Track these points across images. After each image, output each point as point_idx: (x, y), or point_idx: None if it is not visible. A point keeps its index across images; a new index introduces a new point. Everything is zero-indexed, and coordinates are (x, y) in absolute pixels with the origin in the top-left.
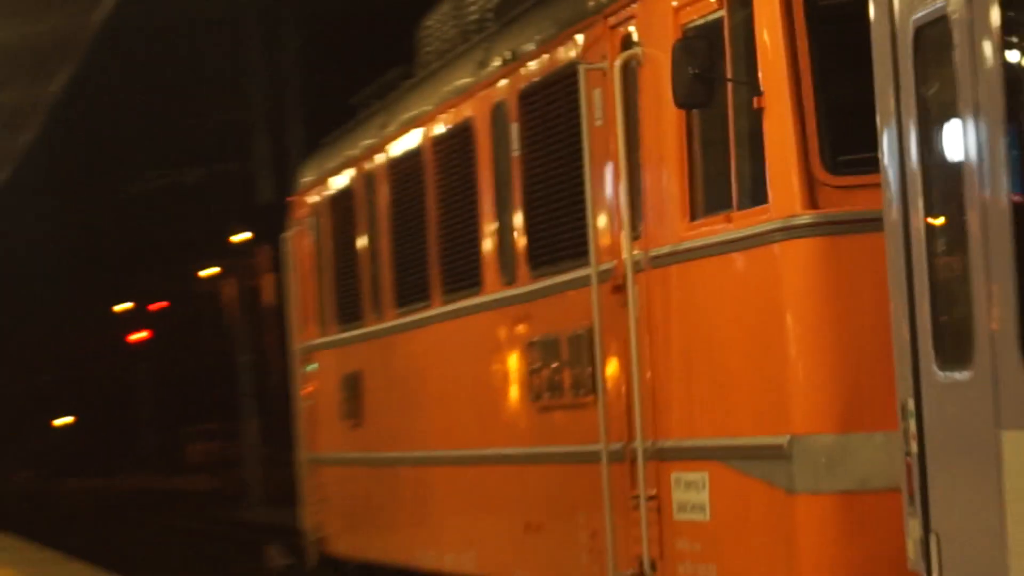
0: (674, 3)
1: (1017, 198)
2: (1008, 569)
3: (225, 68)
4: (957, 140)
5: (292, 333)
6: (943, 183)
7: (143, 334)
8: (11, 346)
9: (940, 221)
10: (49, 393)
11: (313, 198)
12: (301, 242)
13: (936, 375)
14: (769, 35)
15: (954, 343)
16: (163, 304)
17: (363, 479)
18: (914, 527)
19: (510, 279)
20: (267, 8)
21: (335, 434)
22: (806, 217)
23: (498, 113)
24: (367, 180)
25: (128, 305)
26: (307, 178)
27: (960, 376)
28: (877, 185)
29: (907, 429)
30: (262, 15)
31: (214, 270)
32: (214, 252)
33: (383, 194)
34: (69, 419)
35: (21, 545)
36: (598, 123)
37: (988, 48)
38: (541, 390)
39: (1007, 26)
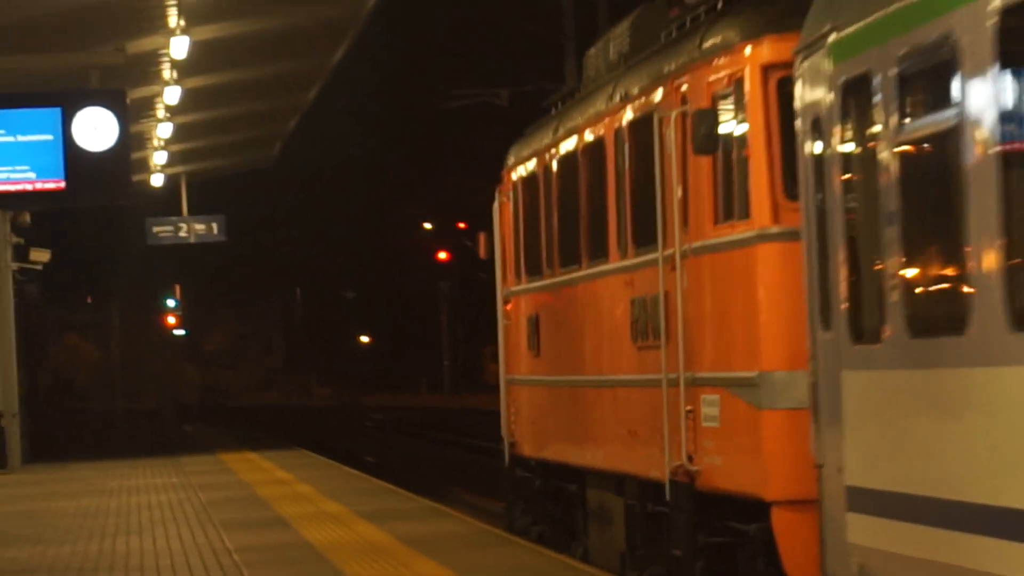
0: (709, 78)
1: (850, 220)
2: (844, 443)
3: None
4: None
5: (498, 279)
6: (822, 210)
7: (444, 254)
8: (317, 265)
9: (823, 236)
10: (353, 312)
11: (513, 176)
12: (505, 210)
13: (821, 334)
14: (753, 109)
15: (824, 315)
16: (464, 225)
17: (540, 397)
18: (813, 429)
19: (624, 253)
20: None
21: (523, 361)
22: (773, 229)
23: (618, 135)
24: (545, 169)
25: (431, 225)
26: (510, 160)
27: (828, 336)
28: None
29: (812, 369)
30: None
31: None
32: None
33: (554, 181)
34: (368, 338)
35: (319, 462)
36: (668, 154)
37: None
38: (638, 335)
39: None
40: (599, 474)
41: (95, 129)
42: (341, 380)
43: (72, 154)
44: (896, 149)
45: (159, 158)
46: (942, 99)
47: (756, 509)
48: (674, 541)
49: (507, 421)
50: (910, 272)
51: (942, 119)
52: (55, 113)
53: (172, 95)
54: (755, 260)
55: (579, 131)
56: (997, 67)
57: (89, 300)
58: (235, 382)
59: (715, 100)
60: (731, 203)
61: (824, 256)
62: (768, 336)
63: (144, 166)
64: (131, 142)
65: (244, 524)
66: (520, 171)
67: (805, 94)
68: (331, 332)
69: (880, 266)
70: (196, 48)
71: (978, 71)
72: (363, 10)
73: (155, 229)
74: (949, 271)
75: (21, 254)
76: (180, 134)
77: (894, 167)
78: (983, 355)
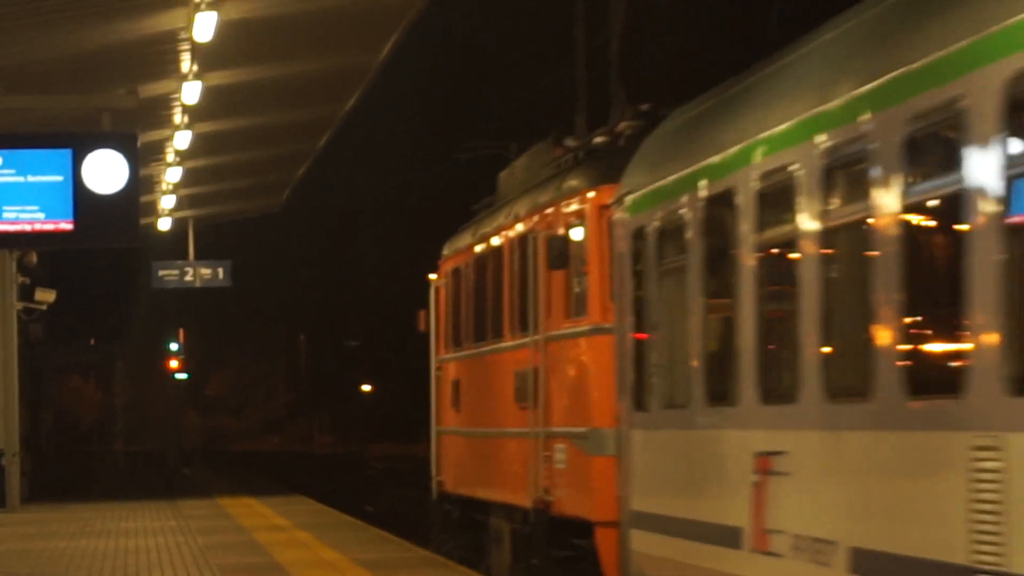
0: (564, 212)
1: (635, 323)
2: (631, 480)
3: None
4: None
5: (432, 349)
6: (622, 314)
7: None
8: (322, 312)
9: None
10: (357, 360)
11: (445, 266)
12: (439, 293)
13: (621, 403)
14: (590, 238)
15: (622, 389)
16: None
17: (459, 444)
18: (618, 471)
19: (512, 335)
20: None
21: (448, 415)
22: (602, 324)
23: (511, 245)
24: (465, 264)
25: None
26: (444, 253)
27: (624, 404)
28: None
29: (618, 427)
30: None
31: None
32: None
33: (471, 274)
34: (370, 386)
35: (318, 509)
36: (538, 264)
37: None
38: (519, 398)
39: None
40: (496, 505)
41: (105, 171)
42: (343, 428)
43: (81, 196)
44: (658, 278)
45: (167, 202)
46: (682, 248)
47: (587, 528)
48: (534, 554)
49: (436, 464)
50: (662, 362)
51: (681, 261)
52: (66, 154)
53: (183, 139)
54: (589, 346)
55: (487, 238)
56: (702, 232)
57: (92, 342)
58: (237, 427)
59: (567, 228)
60: (576, 304)
61: (622, 347)
62: (596, 402)
63: (152, 209)
64: (141, 185)
65: (241, 569)
66: (449, 263)
67: (615, 234)
68: (334, 379)
69: (647, 358)
70: (208, 93)
71: (696, 234)
72: (376, 60)
73: (161, 273)
74: (682, 365)
75: (26, 294)
76: (189, 178)
77: (656, 291)
78: (699, 421)
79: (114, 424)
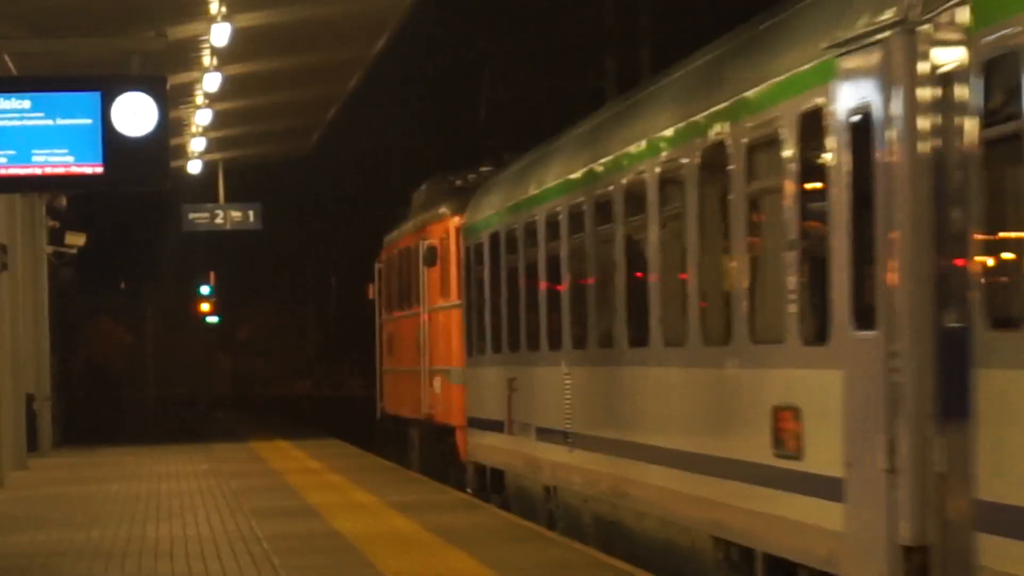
0: (436, 228)
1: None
2: (468, 399)
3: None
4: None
5: (376, 312)
6: (468, 296)
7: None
8: (354, 255)
9: (468, 307)
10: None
11: (383, 252)
12: (380, 271)
13: (469, 352)
14: (452, 248)
15: (468, 343)
16: None
17: (391, 379)
18: (466, 394)
19: (417, 305)
20: None
21: (386, 359)
22: (458, 302)
23: (416, 246)
24: (391, 254)
25: None
26: (384, 242)
27: (470, 353)
28: None
29: (465, 366)
30: None
31: None
32: None
33: (397, 260)
34: None
35: (350, 451)
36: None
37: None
38: (418, 348)
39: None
40: (409, 420)
41: (134, 114)
42: (375, 370)
43: (111, 138)
44: (484, 273)
45: (197, 145)
46: (496, 256)
47: (451, 429)
48: (424, 448)
49: (379, 394)
50: (484, 325)
51: (495, 264)
52: (95, 97)
53: (212, 82)
54: (449, 315)
55: (404, 236)
56: (513, 244)
57: (123, 285)
58: (268, 371)
59: (440, 240)
60: (442, 288)
61: (468, 316)
62: (455, 350)
63: (182, 152)
64: (170, 128)
65: (274, 512)
66: (384, 252)
67: (463, 245)
68: (365, 323)
69: (476, 323)
70: (237, 35)
71: (507, 246)
72: (406, 1)
73: (191, 215)
74: (494, 328)
75: (57, 238)
76: (219, 121)
77: (483, 281)
78: (496, 362)
79: (145, 368)
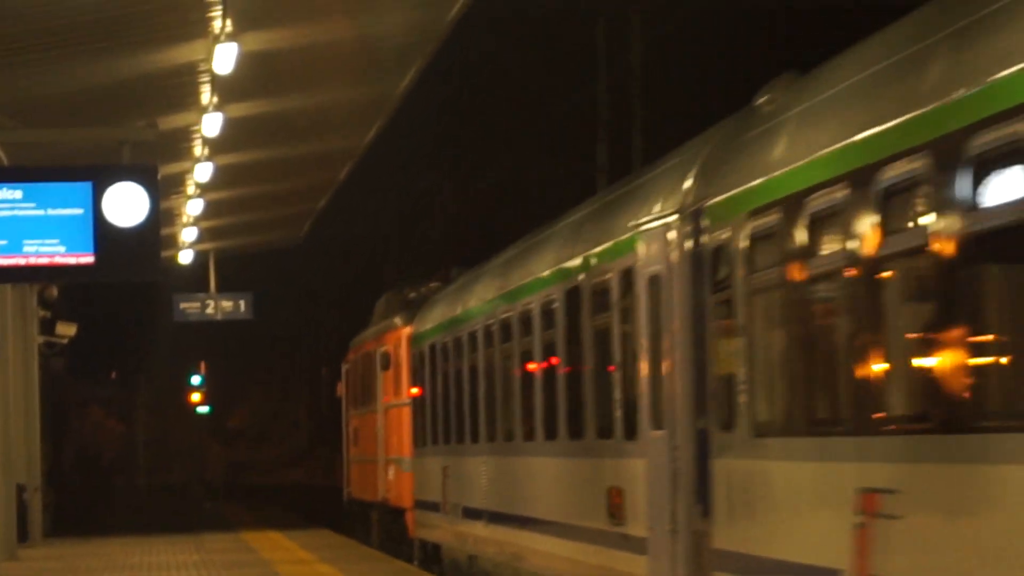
0: (391, 336)
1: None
2: (415, 483)
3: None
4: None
5: (343, 408)
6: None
7: None
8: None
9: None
10: None
11: (350, 355)
12: (347, 371)
13: (416, 444)
14: (403, 354)
15: (415, 436)
16: None
17: (355, 467)
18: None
19: (376, 403)
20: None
21: (352, 449)
22: (407, 400)
23: (376, 351)
24: (355, 357)
25: None
26: (351, 345)
27: (417, 445)
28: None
29: (413, 455)
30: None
31: None
32: None
33: (358, 365)
34: None
35: (341, 542)
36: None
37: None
38: (380, 440)
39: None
40: (370, 503)
41: (126, 204)
42: None
43: (102, 229)
44: (426, 378)
45: (188, 234)
46: (434, 364)
47: (403, 511)
48: (381, 527)
49: (346, 479)
50: (427, 420)
51: (435, 371)
52: (86, 187)
53: (203, 171)
54: (400, 412)
55: (366, 341)
56: (447, 355)
57: (114, 375)
58: (259, 459)
59: (393, 347)
60: (395, 389)
61: (415, 413)
62: (405, 441)
63: (173, 242)
64: (161, 218)
65: None
66: (351, 354)
67: (412, 352)
68: None
69: (420, 418)
70: (228, 125)
71: (443, 356)
72: (397, 91)
73: (182, 305)
74: (432, 423)
75: (47, 327)
76: (210, 211)
77: (425, 383)
78: (436, 452)
79: (136, 457)
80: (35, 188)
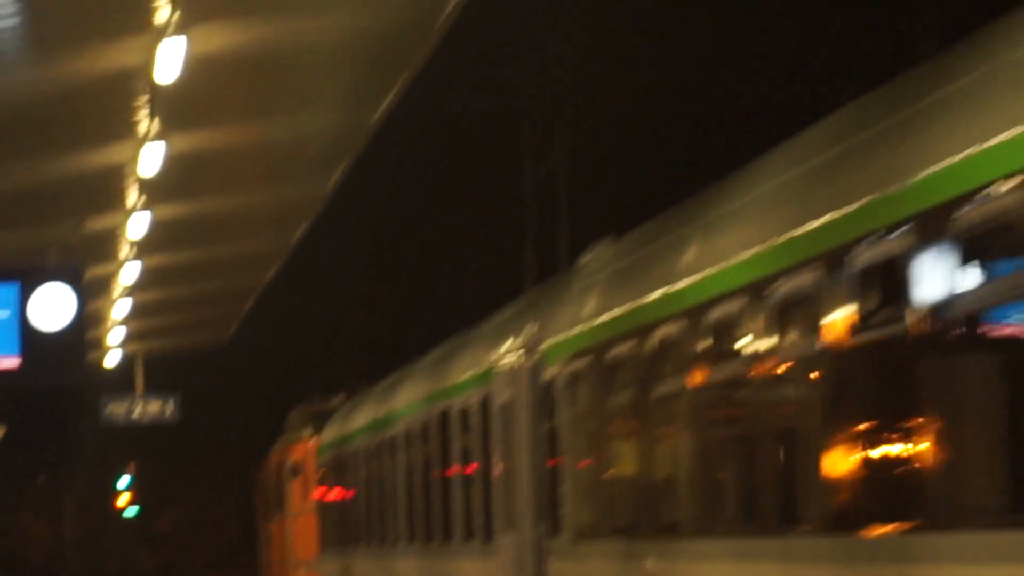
0: (299, 446)
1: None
2: None
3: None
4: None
5: (258, 512)
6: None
7: None
8: (272, 445)
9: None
10: None
11: (263, 466)
12: (262, 481)
13: (324, 545)
14: (309, 465)
15: (321, 539)
16: None
17: (273, 570)
18: None
19: (286, 511)
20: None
21: (265, 551)
22: (314, 506)
23: (280, 463)
24: (268, 467)
25: None
26: (266, 457)
27: (324, 545)
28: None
29: (320, 553)
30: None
31: None
32: None
33: (270, 474)
34: None
35: None
36: (286, 477)
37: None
38: (291, 547)
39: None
40: None
41: (52, 307)
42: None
43: (28, 333)
44: (332, 484)
45: (115, 336)
46: (341, 474)
47: None
48: None
49: None
50: (336, 526)
51: (341, 479)
52: (12, 288)
53: (130, 273)
54: (308, 517)
55: (279, 450)
56: (349, 465)
57: (41, 478)
58: (188, 561)
59: (302, 457)
60: (304, 495)
61: (320, 518)
62: (315, 543)
63: (99, 344)
64: (88, 321)
65: None
66: (264, 464)
67: (318, 463)
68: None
69: (329, 523)
70: (155, 226)
71: (346, 467)
72: (323, 192)
73: (109, 408)
74: (344, 529)
75: None
76: (137, 311)
77: (334, 490)
78: (346, 555)
79: (64, 560)
80: None
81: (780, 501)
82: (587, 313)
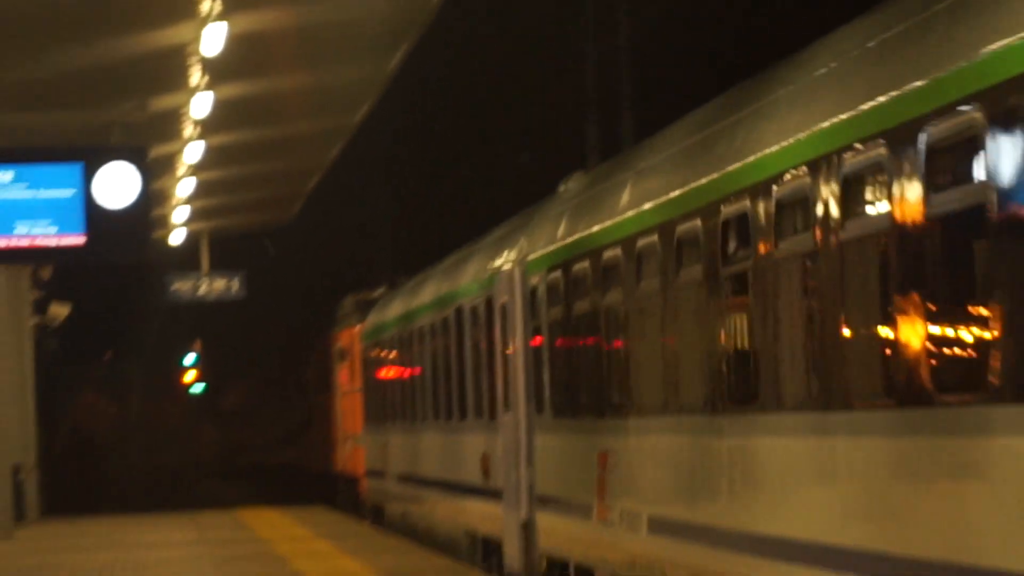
0: (347, 331)
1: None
2: (366, 456)
3: (556, 53)
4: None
5: (313, 394)
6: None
7: None
8: None
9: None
10: None
11: (322, 344)
12: (315, 362)
13: (366, 421)
14: (355, 348)
15: (366, 414)
16: None
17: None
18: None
19: (337, 390)
20: None
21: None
22: (360, 387)
23: (334, 346)
24: (326, 347)
25: None
26: (318, 339)
27: (367, 421)
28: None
29: (365, 431)
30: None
31: None
32: None
33: (327, 353)
34: None
35: (338, 519)
36: (336, 358)
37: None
38: (342, 420)
39: None
40: (336, 474)
41: (116, 185)
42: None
43: (93, 210)
44: (375, 366)
45: (179, 215)
46: (381, 356)
47: (358, 479)
48: (340, 493)
49: (316, 455)
50: (375, 403)
51: (383, 360)
52: (76, 168)
53: (194, 152)
54: (354, 396)
55: (330, 337)
56: (392, 348)
57: (107, 356)
58: (254, 439)
59: (348, 343)
60: (351, 377)
61: (365, 397)
62: (360, 420)
63: (164, 223)
64: (152, 199)
65: None
66: (322, 343)
67: (362, 346)
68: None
69: (370, 402)
70: (219, 106)
71: (388, 350)
72: (387, 70)
73: (174, 286)
74: (380, 406)
75: (40, 308)
76: (201, 191)
77: (374, 372)
78: (382, 430)
79: (130, 438)
80: (26, 169)
81: (697, 388)
82: (560, 234)
